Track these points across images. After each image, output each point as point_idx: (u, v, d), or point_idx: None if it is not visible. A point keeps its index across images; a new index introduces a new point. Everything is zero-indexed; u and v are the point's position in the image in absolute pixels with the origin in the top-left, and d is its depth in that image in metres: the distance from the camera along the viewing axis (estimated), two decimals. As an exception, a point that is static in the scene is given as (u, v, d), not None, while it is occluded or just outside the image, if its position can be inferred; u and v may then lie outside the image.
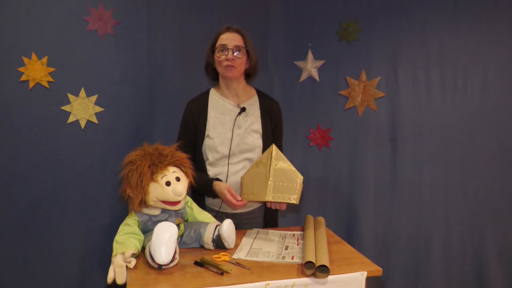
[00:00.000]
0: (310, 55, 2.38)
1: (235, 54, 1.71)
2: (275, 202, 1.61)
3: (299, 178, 1.53)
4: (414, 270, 2.36)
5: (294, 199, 1.50)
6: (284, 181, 1.52)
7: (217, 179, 1.72)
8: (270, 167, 1.54)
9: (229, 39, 1.72)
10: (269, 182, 1.52)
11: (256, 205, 1.83)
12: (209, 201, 1.80)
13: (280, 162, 1.56)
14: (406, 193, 2.35)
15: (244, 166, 1.76)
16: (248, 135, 1.77)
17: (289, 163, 1.56)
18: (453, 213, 2.33)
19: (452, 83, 2.30)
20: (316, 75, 2.40)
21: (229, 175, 1.74)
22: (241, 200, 1.61)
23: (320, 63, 2.39)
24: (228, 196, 1.61)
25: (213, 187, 1.69)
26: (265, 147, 1.79)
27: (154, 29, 2.14)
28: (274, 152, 1.57)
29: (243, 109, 1.77)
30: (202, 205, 1.78)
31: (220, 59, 1.72)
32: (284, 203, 1.60)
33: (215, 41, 1.76)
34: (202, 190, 1.77)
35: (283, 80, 2.42)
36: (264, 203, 1.71)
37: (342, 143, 2.41)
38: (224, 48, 1.71)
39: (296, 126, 2.40)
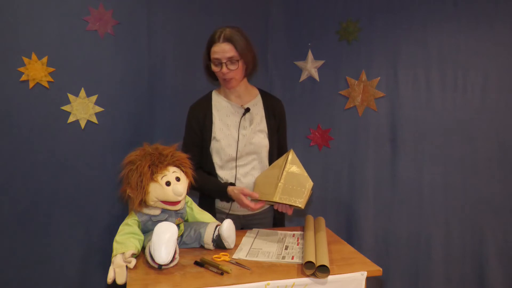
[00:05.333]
0: (310, 55, 2.38)
1: (229, 66, 1.66)
2: (282, 205, 1.63)
3: (309, 183, 1.56)
4: (414, 270, 2.36)
5: (299, 202, 1.52)
6: (294, 185, 1.55)
7: (231, 184, 1.71)
8: (283, 170, 1.58)
9: (220, 52, 1.64)
10: (279, 184, 1.55)
11: (266, 207, 1.83)
12: (219, 204, 1.79)
13: (294, 166, 1.59)
14: (406, 193, 2.35)
15: (253, 167, 1.75)
16: (254, 135, 1.76)
17: (303, 168, 1.60)
18: (453, 213, 2.33)
19: (452, 83, 2.30)
20: (316, 75, 2.40)
21: (239, 177, 1.73)
22: (259, 201, 1.62)
23: (320, 63, 2.39)
24: (246, 202, 1.62)
25: (227, 192, 1.68)
26: (272, 146, 1.79)
27: (154, 29, 2.14)
28: (290, 157, 1.61)
29: (247, 110, 1.76)
30: (212, 208, 1.77)
31: (216, 72, 1.70)
32: (290, 207, 1.61)
33: (209, 49, 1.69)
34: (214, 195, 1.76)
35: (283, 80, 2.42)
36: (272, 205, 1.72)
37: (342, 143, 2.41)
38: (218, 62, 1.66)
39: (296, 126, 2.40)
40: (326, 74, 2.39)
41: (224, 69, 1.66)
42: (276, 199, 1.53)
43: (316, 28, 2.37)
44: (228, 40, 1.64)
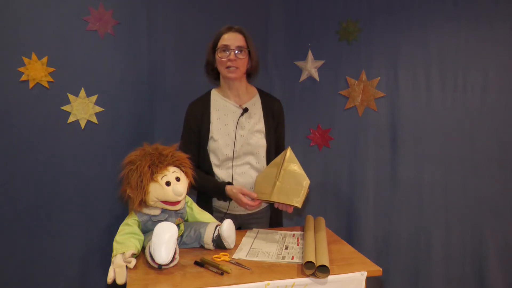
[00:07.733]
0: (310, 55, 2.38)
1: (237, 54, 1.69)
2: (281, 204, 1.63)
3: (306, 181, 1.56)
4: (414, 270, 2.36)
5: (296, 201, 1.52)
6: (291, 184, 1.55)
7: (229, 183, 1.71)
8: (281, 168, 1.58)
9: (231, 39, 1.69)
10: (277, 183, 1.55)
11: (263, 206, 1.83)
12: (217, 203, 1.80)
13: (291, 164, 1.59)
14: (406, 193, 2.35)
15: (250, 166, 1.75)
16: (251, 135, 1.76)
17: (300, 166, 1.59)
18: (453, 213, 2.33)
19: (452, 83, 2.30)
20: (316, 75, 2.40)
21: (235, 177, 1.73)
22: (256, 199, 1.63)
23: (320, 63, 2.39)
24: (245, 200, 1.62)
25: (226, 192, 1.68)
26: (269, 146, 1.79)
27: (154, 29, 2.14)
28: (288, 155, 1.61)
29: (245, 110, 1.76)
30: (209, 207, 1.78)
31: (222, 59, 1.70)
32: (289, 205, 1.61)
33: (217, 41, 1.73)
34: (212, 194, 1.76)
35: (283, 80, 2.42)
36: (272, 203, 1.72)
37: (342, 143, 2.41)
38: (226, 48, 1.69)
39: (296, 126, 2.40)
40: (326, 74, 2.39)
41: (232, 55, 1.68)
42: (274, 198, 1.54)
43: (316, 28, 2.37)
44: (239, 31, 1.73)
